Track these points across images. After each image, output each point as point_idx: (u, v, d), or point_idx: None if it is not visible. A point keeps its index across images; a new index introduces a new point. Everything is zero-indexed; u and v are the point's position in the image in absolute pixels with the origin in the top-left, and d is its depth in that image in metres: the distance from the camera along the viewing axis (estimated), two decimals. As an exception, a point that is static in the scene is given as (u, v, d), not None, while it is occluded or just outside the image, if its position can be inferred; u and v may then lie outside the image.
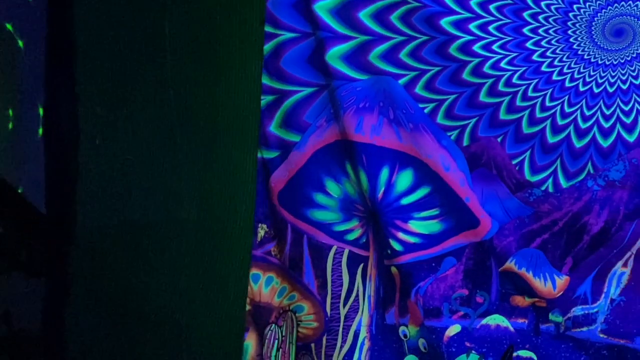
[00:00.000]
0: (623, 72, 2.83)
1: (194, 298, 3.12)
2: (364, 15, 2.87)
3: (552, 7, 2.83)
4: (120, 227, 3.13)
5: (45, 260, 3.15)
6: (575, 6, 2.83)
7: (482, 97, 2.88)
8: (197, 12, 3.02)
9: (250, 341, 3.07)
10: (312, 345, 3.06)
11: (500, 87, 2.87)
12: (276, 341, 3.04)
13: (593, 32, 2.83)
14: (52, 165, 3.14)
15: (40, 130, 3.12)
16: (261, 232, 3.04)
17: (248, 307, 3.06)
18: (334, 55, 2.88)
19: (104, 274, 3.14)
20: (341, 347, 3.03)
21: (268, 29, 2.92)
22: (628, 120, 2.85)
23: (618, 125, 2.86)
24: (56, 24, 3.11)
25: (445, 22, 2.85)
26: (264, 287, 3.05)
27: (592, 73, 2.85)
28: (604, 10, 2.82)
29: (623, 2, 2.81)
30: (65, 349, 3.17)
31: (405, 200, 2.95)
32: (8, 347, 3.13)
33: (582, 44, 2.84)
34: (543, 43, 2.85)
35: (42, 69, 3.11)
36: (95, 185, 3.13)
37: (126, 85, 3.10)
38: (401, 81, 2.88)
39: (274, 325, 3.05)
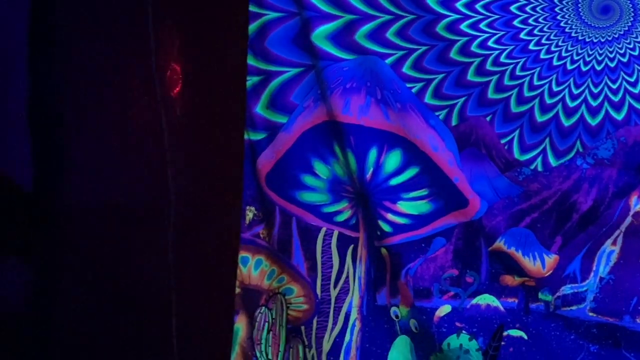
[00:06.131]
0: (611, 49, 2.82)
1: (184, 280, 3.11)
2: (350, -6, 2.85)
3: (539, -15, 2.82)
4: (105, 210, 3.12)
5: (29, 241, 3.13)
6: (562, -17, 2.82)
7: (470, 77, 2.86)
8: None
9: (240, 324, 3.06)
10: (302, 327, 3.04)
11: (488, 66, 2.85)
12: (266, 324, 3.03)
13: (580, 10, 2.82)
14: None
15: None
16: (249, 215, 3.02)
17: (238, 290, 3.05)
18: (320, 35, 2.85)
19: (89, 256, 3.13)
20: (332, 328, 3.03)
21: (252, 8, 2.88)
22: (616, 99, 2.84)
23: (606, 104, 2.85)
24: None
25: (431, 1, 2.82)
26: (253, 269, 3.04)
27: (579, 51, 2.83)
28: (591, -13, 2.81)
29: (610, -21, 2.80)
30: (51, 330, 3.16)
31: (394, 181, 2.93)
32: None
33: (569, 22, 2.83)
34: (530, 21, 2.83)
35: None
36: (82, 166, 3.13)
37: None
38: (388, 61, 2.86)
39: (264, 307, 3.04)
